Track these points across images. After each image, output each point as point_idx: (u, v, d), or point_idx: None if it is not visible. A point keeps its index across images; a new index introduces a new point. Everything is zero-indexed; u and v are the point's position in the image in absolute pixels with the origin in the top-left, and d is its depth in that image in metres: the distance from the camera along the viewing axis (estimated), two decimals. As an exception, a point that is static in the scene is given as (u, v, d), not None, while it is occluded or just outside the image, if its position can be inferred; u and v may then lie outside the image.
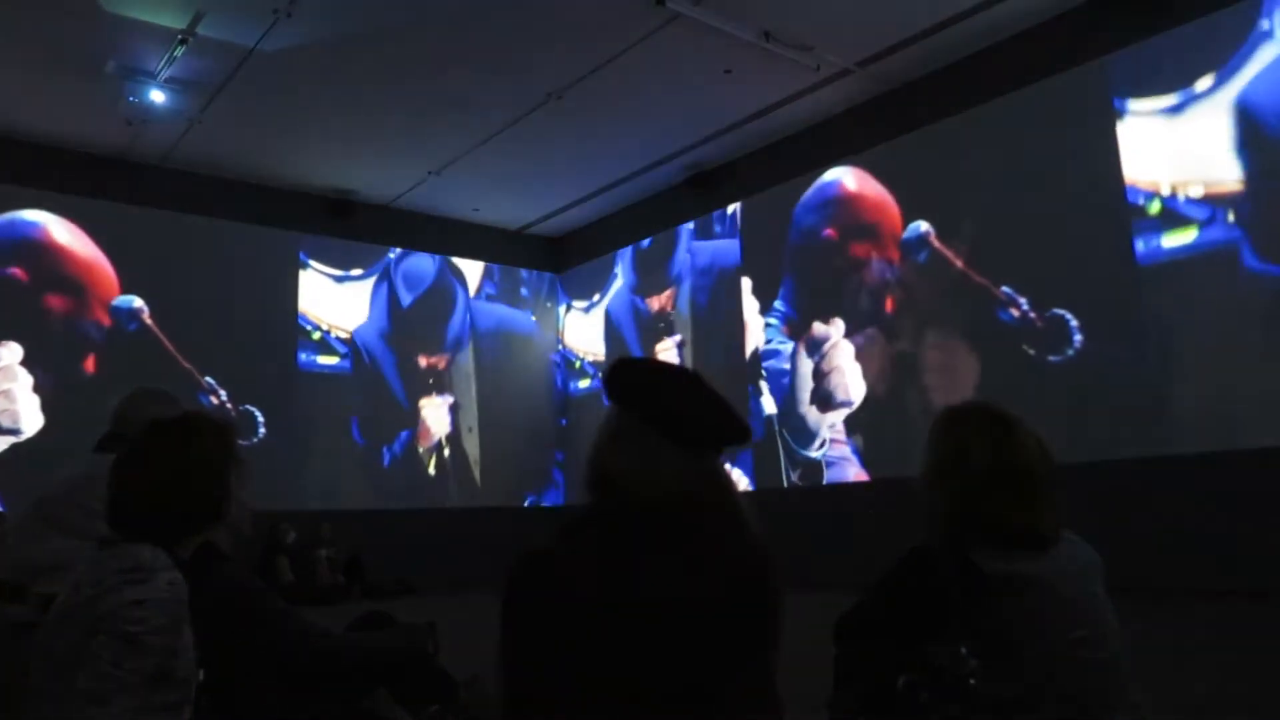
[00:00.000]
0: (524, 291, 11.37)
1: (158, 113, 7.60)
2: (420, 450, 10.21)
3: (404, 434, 10.14)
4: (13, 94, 7.50)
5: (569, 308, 11.41)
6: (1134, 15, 6.32)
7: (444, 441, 10.36)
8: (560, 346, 11.42)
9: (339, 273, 9.95)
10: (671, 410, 1.39)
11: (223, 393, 8.94)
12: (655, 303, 10.05)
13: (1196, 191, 5.99)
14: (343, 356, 9.82)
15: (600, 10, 6.52)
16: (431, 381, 10.42)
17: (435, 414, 10.36)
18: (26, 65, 7.06)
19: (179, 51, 6.85)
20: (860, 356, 7.93)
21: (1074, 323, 6.55)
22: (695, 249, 9.70)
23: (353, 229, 10.00)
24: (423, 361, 10.43)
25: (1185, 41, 6.08)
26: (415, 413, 10.25)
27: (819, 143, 8.46)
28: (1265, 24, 5.74)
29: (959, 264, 7.28)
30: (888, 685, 1.62)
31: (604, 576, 1.34)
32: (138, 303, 8.68)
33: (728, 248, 9.34)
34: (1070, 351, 6.56)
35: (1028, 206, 6.89)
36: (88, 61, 6.98)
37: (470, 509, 10.22)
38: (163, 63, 7.02)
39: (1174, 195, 6.09)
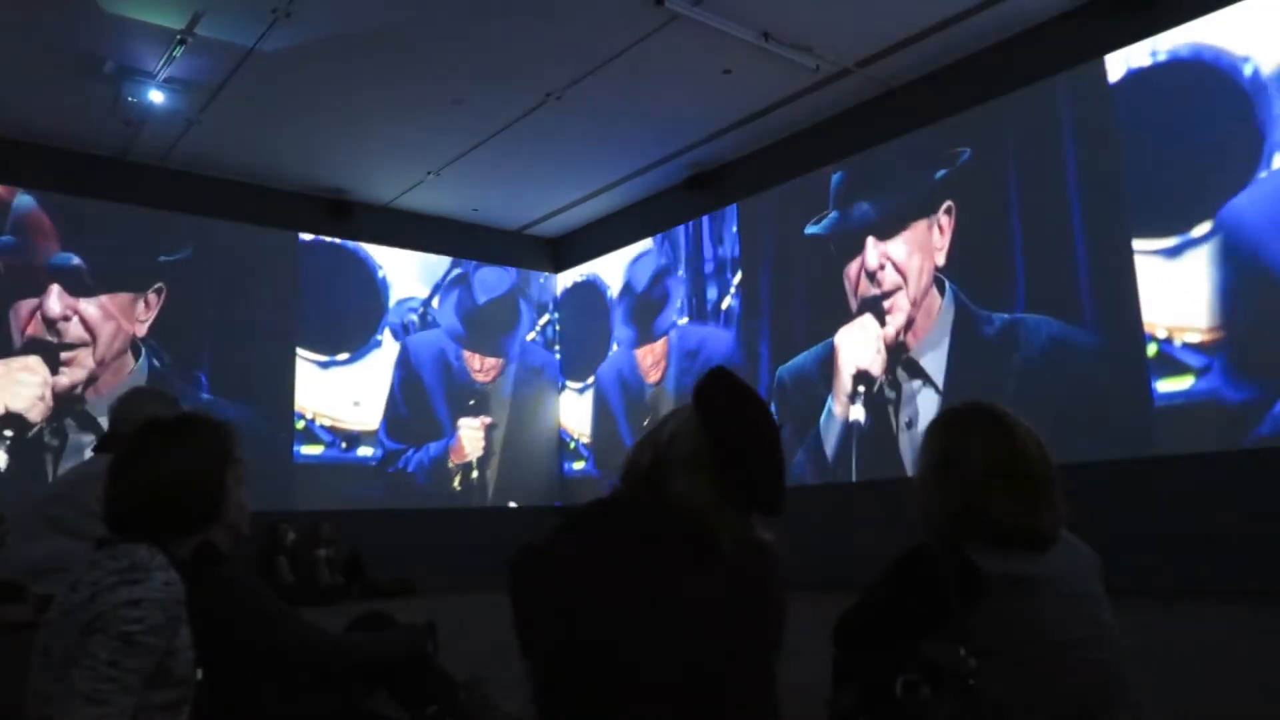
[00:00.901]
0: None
1: (156, 113, 7.60)
2: (450, 466, 10.29)
3: (434, 446, 10.16)
4: (11, 93, 7.49)
5: (563, 388, 11.30)
6: (1133, 16, 6.33)
7: (474, 464, 10.45)
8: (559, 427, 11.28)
9: (324, 359, 9.69)
10: (737, 463, 1.39)
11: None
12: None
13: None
14: (328, 445, 9.57)
15: (599, 10, 6.52)
16: (472, 403, 10.51)
17: (471, 434, 10.46)
18: (25, 65, 7.05)
19: (177, 51, 6.85)
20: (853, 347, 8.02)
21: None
22: (684, 330, 9.70)
23: (351, 229, 9.99)
24: (476, 363, 10.60)
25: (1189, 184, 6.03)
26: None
27: (818, 143, 8.46)
28: (1264, 174, 5.68)
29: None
30: (887, 686, 1.62)
31: (605, 575, 1.34)
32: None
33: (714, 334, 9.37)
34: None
35: (1024, 203, 6.91)
36: (86, 61, 6.98)
37: (470, 509, 10.23)
38: (161, 63, 7.02)
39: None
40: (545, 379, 11.22)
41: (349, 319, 9.90)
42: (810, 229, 8.43)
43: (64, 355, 8.21)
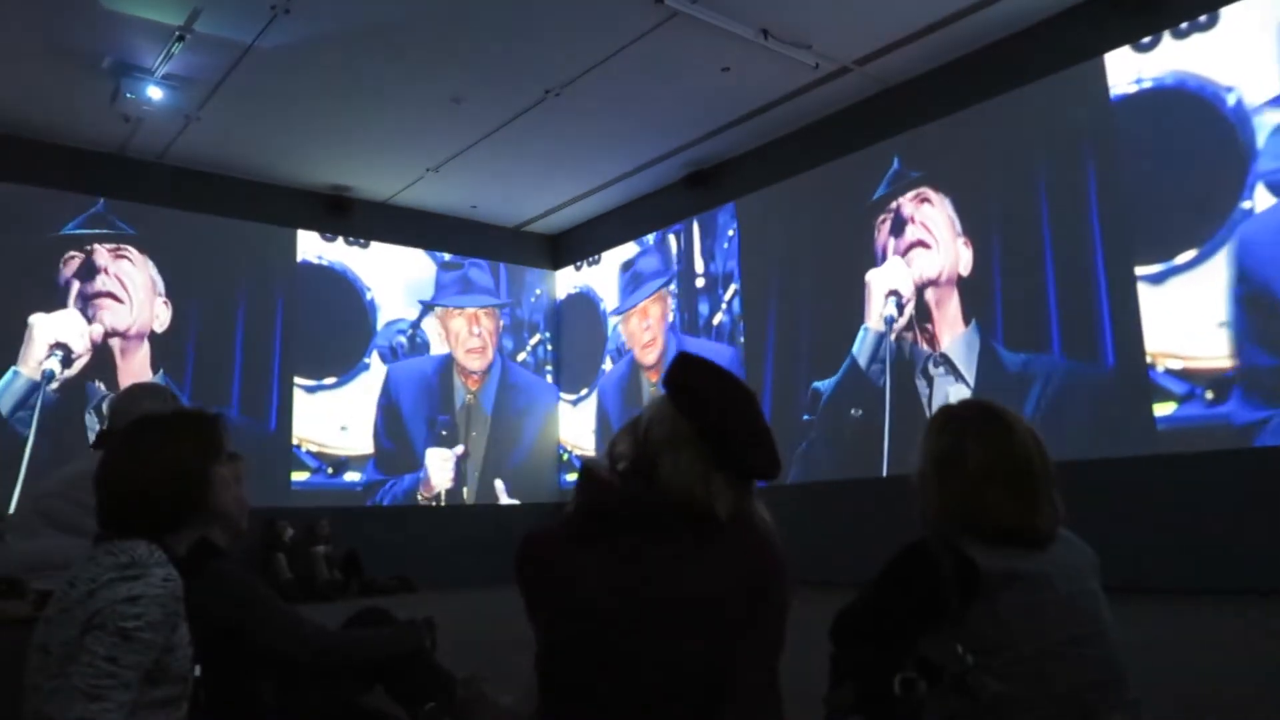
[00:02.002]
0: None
1: (154, 109, 7.58)
2: (420, 499, 10.10)
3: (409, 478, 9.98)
4: (9, 90, 7.47)
5: (558, 400, 11.26)
6: (1133, 14, 6.32)
7: (443, 495, 10.19)
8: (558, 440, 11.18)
9: (311, 383, 9.53)
10: (721, 437, 1.40)
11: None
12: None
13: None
14: (314, 471, 9.41)
15: (598, 7, 6.51)
16: (444, 434, 10.20)
17: (441, 464, 10.17)
18: (23, 61, 7.03)
19: (176, 48, 6.83)
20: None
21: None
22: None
23: (350, 226, 9.98)
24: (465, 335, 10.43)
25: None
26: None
27: (817, 141, 8.45)
28: (1246, 204, 5.70)
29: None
30: (884, 683, 1.62)
31: (603, 568, 1.34)
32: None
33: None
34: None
35: (1022, 203, 6.92)
36: (85, 58, 6.96)
37: (468, 507, 10.23)
38: (160, 59, 7.01)
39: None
40: (538, 396, 11.05)
41: (337, 342, 9.76)
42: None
43: (102, 303, 8.53)
